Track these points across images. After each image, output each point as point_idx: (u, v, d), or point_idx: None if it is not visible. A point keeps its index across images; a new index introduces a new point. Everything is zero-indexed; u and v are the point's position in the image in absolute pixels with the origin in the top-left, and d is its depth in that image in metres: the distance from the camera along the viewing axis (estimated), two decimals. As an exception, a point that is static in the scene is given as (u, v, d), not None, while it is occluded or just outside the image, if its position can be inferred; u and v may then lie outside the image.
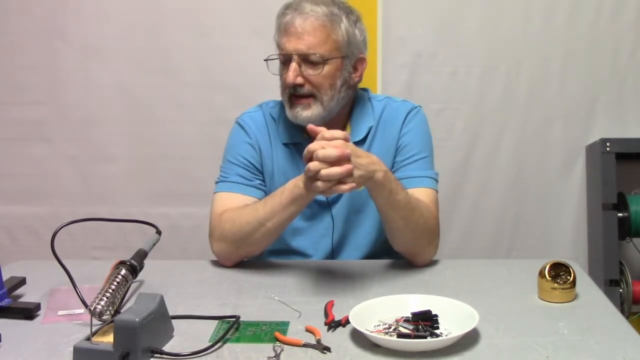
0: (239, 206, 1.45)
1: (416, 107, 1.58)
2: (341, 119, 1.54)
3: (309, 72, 1.44)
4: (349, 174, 1.20)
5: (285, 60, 1.46)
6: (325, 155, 1.19)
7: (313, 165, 1.20)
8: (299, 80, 1.44)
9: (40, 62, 2.25)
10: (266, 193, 1.53)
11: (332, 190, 1.23)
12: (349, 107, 1.55)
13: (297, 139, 1.53)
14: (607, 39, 2.16)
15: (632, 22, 2.15)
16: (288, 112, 1.48)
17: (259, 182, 1.54)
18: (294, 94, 1.46)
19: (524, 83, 2.20)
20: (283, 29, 1.45)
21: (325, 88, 1.45)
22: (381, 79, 2.17)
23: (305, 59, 1.44)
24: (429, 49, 2.19)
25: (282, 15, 1.47)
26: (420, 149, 1.53)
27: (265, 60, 1.49)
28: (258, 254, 1.49)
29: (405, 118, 1.54)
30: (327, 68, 1.44)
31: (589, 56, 2.18)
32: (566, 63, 2.18)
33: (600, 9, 2.15)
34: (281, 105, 1.58)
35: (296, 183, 1.33)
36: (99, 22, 2.21)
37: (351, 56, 1.49)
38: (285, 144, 1.55)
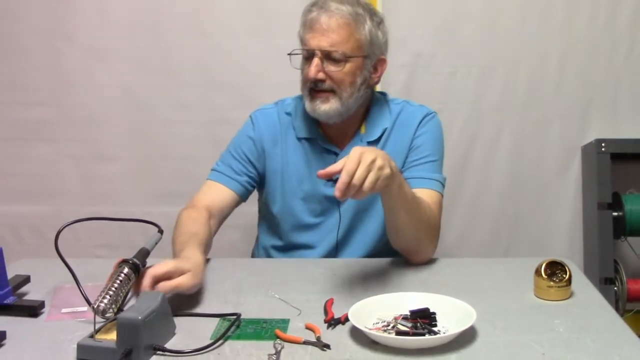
0: (193, 215, 1.45)
1: (432, 113, 1.60)
2: (357, 118, 1.56)
3: (331, 68, 1.46)
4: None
5: (309, 56, 1.47)
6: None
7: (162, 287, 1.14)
8: (321, 75, 1.46)
9: (43, 62, 2.25)
10: (254, 188, 1.59)
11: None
12: (365, 107, 1.57)
13: (312, 135, 1.56)
14: (603, 42, 2.17)
15: (627, 26, 2.16)
16: (307, 105, 1.50)
17: (247, 178, 1.57)
18: (314, 89, 1.48)
19: (522, 84, 2.21)
20: (308, 25, 1.47)
21: (345, 85, 1.47)
22: (381, 79, 2.17)
23: (328, 56, 1.45)
24: (429, 50, 2.19)
25: (307, 12, 1.49)
26: (431, 152, 1.54)
27: (288, 54, 1.51)
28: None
29: (421, 122, 1.57)
30: (348, 65, 1.46)
31: (585, 58, 2.18)
32: (563, 65, 2.19)
33: (596, 12, 2.15)
34: (298, 101, 1.59)
35: (185, 256, 1.25)
36: (101, 23, 2.22)
37: (372, 56, 1.51)
38: (299, 139, 1.56)
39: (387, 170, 1.20)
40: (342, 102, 1.47)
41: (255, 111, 1.64)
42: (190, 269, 1.19)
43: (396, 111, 1.59)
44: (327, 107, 1.47)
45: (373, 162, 1.17)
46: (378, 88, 2.15)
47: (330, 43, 1.44)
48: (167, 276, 1.15)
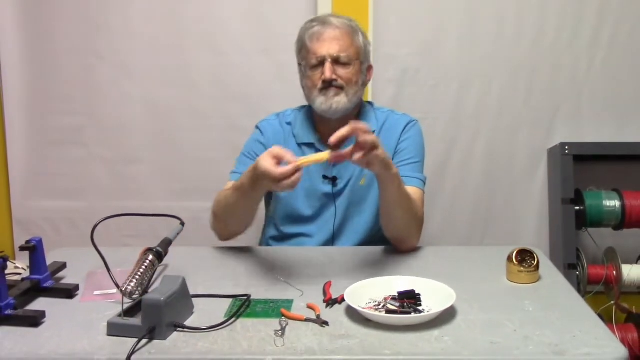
0: (226, 188, 1.46)
1: (414, 120, 1.60)
2: (349, 122, 1.55)
3: (340, 70, 1.49)
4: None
5: (318, 63, 1.49)
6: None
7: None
8: (334, 76, 1.47)
9: (78, 76, 2.24)
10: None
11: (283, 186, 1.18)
12: (356, 114, 1.57)
13: (311, 140, 1.56)
14: (566, 58, 2.16)
15: (587, 44, 2.15)
16: (320, 101, 1.49)
17: None
18: (326, 87, 1.48)
19: (495, 95, 2.20)
20: (315, 38, 1.50)
21: (352, 83, 1.50)
22: (372, 91, 2.16)
23: (337, 60, 1.48)
24: (414, 66, 2.19)
25: (310, 28, 1.52)
26: (414, 154, 1.55)
27: (299, 64, 1.55)
28: (242, 232, 1.49)
29: (405, 128, 1.57)
30: (353, 68, 1.50)
31: (550, 72, 2.18)
32: (531, 78, 2.18)
33: (560, 32, 2.14)
34: (297, 112, 1.60)
35: (245, 176, 1.30)
36: (129, 42, 2.21)
37: (365, 62, 1.55)
38: (299, 145, 1.56)
39: (385, 155, 1.22)
40: (349, 99, 1.50)
41: (261, 121, 1.63)
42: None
43: (382, 118, 1.59)
44: (339, 99, 1.48)
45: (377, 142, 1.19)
46: (370, 98, 2.16)
47: (339, 49, 1.48)
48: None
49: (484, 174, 2.25)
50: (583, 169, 2.17)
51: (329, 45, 1.48)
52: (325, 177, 1.55)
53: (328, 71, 1.46)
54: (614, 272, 2.05)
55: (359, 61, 1.52)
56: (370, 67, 1.59)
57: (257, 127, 1.63)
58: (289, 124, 1.59)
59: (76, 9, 2.19)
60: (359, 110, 1.58)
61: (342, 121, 1.51)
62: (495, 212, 2.27)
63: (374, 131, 1.56)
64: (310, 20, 1.53)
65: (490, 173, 2.25)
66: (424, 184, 1.53)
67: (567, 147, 2.12)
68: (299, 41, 1.55)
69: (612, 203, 2.07)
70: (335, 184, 1.54)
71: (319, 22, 1.51)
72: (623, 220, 2.06)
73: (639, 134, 2.19)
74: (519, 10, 2.14)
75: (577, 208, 2.10)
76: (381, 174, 1.28)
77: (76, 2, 2.19)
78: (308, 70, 1.51)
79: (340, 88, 1.49)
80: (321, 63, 1.48)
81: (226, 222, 1.47)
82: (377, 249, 1.48)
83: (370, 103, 1.65)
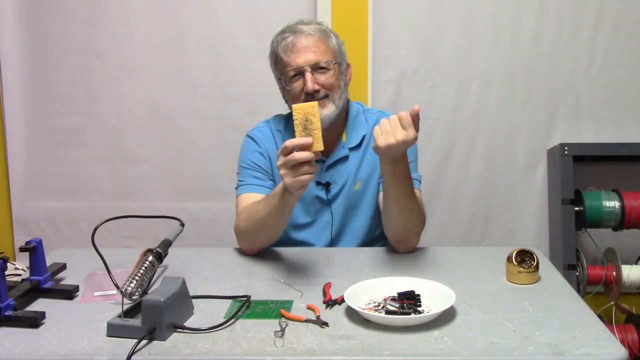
0: (252, 204, 1.44)
1: None
2: (338, 126, 1.54)
3: (321, 77, 1.46)
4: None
5: (297, 74, 1.46)
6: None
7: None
8: (316, 86, 1.45)
9: (79, 78, 2.24)
10: None
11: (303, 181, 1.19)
12: (344, 116, 1.55)
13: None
14: (565, 59, 2.16)
15: (586, 45, 2.15)
16: None
17: (270, 182, 1.54)
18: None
19: (494, 96, 2.20)
20: (289, 50, 1.46)
21: (335, 88, 1.48)
22: (371, 93, 2.16)
23: (315, 68, 1.45)
24: (413, 67, 2.18)
25: (282, 40, 1.48)
26: (408, 154, 1.52)
27: (278, 78, 1.51)
28: (272, 244, 1.48)
29: None
30: (333, 72, 1.47)
31: (549, 73, 2.17)
32: (530, 79, 2.18)
33: (559, 34, 2.14)
34: (286, 119, 1.58)
35: (281, 185, 1.30)
36: (129, 43, 2.20)
37: (343, 63, 1.53)
38: None
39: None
40: (336, 105, 1.47)
41: (252, 130, 1.61)
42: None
43: (372, 120, 1.57)
44: (326, 111, 1.46)
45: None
46: (369, 99, 2.16)
47: (316, 56, 1.45)
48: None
49: (483, 175, 2.24)
50: (582, 170, 2.17)
51: (304, 54, 1.45)
52: (318, 182, 1.53)
53: (309, 82, 1.43)
54: (614, 273, 2.05)
55: (337, 64, 1.48)
56: (348, 65, 1.56)
57: (249, 136, 1.59)
58: (279, 130, 1.58)
59: (76, 9, 2.18)
60: (347, 112, 1.57)
61: (329, 129, 1.50)
62: (494, 212, 2.26)
63: (364, 136, 1.54)
64: (281, 32, 1.50)
65: (489, 174, 2.24)
66: (420, 182, 1.53)
67: (566, 148, 2.12)
68: (272, 55, 1.52)
69: (612, 204, 2.07)
70: (329, 190, 1.53)
71: (290, 32, 1.47)
72: (622, 221, 2.06)
73: (638, 134, 2.19)
74: (517, 11, 2.14)
75: (577, 209, 2.10)
76: (400, 165, 1.28)
77: (76, 2, 2.18)
78: (288, 83, 1.49)
79: (325, 97, 1.46)
80: (300, 74, 1.45)
81: (258, 236, 1.42)
82: (377, 250, 1.48)
83: (360, 104, 1.63)
